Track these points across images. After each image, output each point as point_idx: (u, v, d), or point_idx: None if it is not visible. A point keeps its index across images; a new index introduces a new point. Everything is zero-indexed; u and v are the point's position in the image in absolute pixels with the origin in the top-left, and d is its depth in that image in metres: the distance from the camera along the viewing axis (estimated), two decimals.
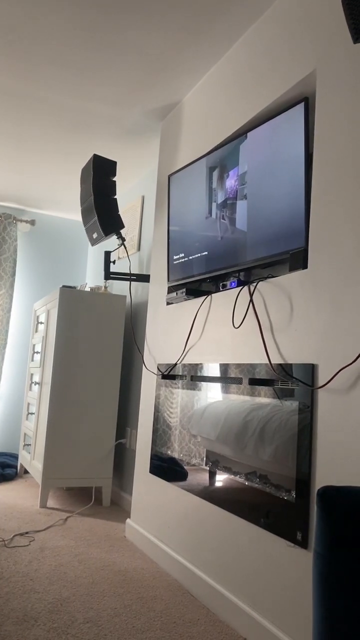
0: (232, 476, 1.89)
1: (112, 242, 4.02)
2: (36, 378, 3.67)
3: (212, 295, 2.18)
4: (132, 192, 3.93)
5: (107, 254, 3.22)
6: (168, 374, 2.45)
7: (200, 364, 2.17)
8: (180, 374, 2.34)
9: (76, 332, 3.25)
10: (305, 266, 1.65)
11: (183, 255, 2.41)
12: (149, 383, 2.69)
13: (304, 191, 1.69)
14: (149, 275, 3.14)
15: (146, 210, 3.61)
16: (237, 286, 2.02)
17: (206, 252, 2.22)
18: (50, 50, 2.37)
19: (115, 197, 2.90)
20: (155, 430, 2.52)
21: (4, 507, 3.04)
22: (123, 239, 3.03)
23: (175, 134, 2.78)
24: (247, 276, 2.10)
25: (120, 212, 2.93)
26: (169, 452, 2.37)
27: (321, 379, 1.51)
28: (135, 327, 3.42)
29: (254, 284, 1.89)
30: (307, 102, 1.72)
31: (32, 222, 4.66)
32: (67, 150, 3.45)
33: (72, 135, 3.22)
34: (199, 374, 2.18)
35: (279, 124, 1.83)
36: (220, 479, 1.96)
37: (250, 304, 1.89)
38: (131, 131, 3.12)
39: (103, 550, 2.42)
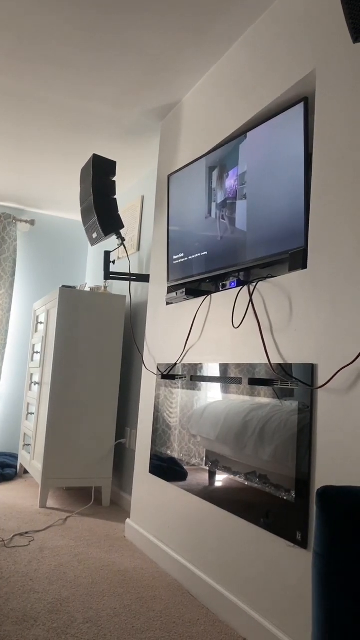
0: (232, 476, 1.89)
1: (111, 242, 4.02)
2: (36, 378, 3.67)
3: (212, 295, 2.18)
4: (132, 192, 3.93)
5: (107, 254, 3.22)
6: (168, 374, 2.45)
7: (200, 364, 2.17)
8: (180, 374, 2.34)
9: (76, 332, 3.25)
10: (304, 266, 1.65)
11: (183, 255, 2.41)
12: (148, 383, 2.69)
13: (303, 191, 1.69)
14: (148, 275, 3.14)
15: (146, 210, 3.61)
16: (236, 286, 2.02)
17: (206, 252, 2.22)
18: (50, 50, 2.37)
19: (115, 197, 2.90)
20: (155, 430, 2.52)
21: (4, 507, 3.04)
22: (123, 239, 3.03)
23: (175, 134, 2.78)
24: (247, 276, 2.10)
25: (120, 212, 2.93)
26: (168, 452, 2.37)
27: (321, 379, 1.51)
28: (135, 327, 3.42)
29: (254, 284, 1.89)
30: (307, 102, 1.72)
31: (32, 222, 4.66)
32: (67, 150, 3.45)
33: (72, 135, 3.22)
34: (198, 374, 2.18)
35: (279, 124, 1.83)
36: (220, 479, 1.96)
37: (250, 304, 1.89)
38: (131, 131, 3.12)
39: (103, 550, 2.42)
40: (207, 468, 2.07)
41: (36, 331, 3.95)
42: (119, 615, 1.79)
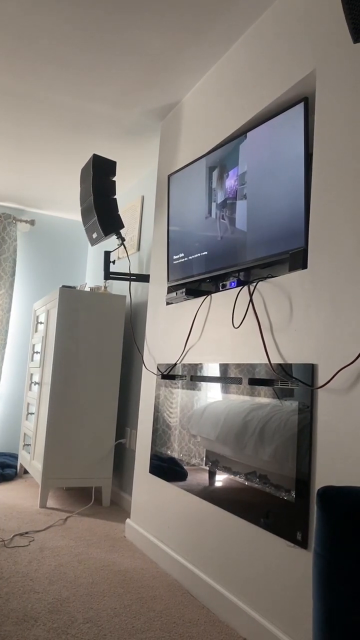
0: (232, 476, 1.89)
1: (111, 242, 4.02)
2: (36, 378, 3.67)
3: (212, 295, 2.18)
4: (132, 192, 3.93)
5: (107, 254, 3.22)
6: (168, 374, 2.45)
7: (200, 364, 2.17)
8: (180, 374, 2.34)
9: (76, 332, 3.25)
10: (305, 266, 1.65)
11: (183, 255, 2.41)
12: (148, 383, 2.69)
13: (303, 191, 1.69)
14: (148, 275, 3.14)
15: (146, 210, 3.61)
16: (236, 286, 2.02)
17: (206, 252, 2.22)
18: (50, 50, 2.37)
19: (115, 197, 2.90)
20: (155, 430, 2.52)
21: (4, 507, 3.04)
22: (123, 239, 3.03)
23: (175, 134, 2.78)
24: (247, 276, 2.10)
25: (120, 212, 2.93)
26: (168, 452, 2.37)
27: (321, 379, 1.51)
28: (135, 327, 3.42)
29: (254, 284, 1.89)
30: (307, 102, 1.72)
31: (32, 222, 4.66)
32: (67, 150, 3.45)
33: (72, 135, 3.22)
34: (198, 374, 2.18)
35: (279, 124, 1.83)
36: (220, 479, 1.96)
37: (250, 304, 1.89)
38: (131, 131, 3.12)
39: (103, 550, 2.42)
40: (207, 468, 2.07)
41: (36, 331, 3.95)
42: (119, 615, 1.79)
